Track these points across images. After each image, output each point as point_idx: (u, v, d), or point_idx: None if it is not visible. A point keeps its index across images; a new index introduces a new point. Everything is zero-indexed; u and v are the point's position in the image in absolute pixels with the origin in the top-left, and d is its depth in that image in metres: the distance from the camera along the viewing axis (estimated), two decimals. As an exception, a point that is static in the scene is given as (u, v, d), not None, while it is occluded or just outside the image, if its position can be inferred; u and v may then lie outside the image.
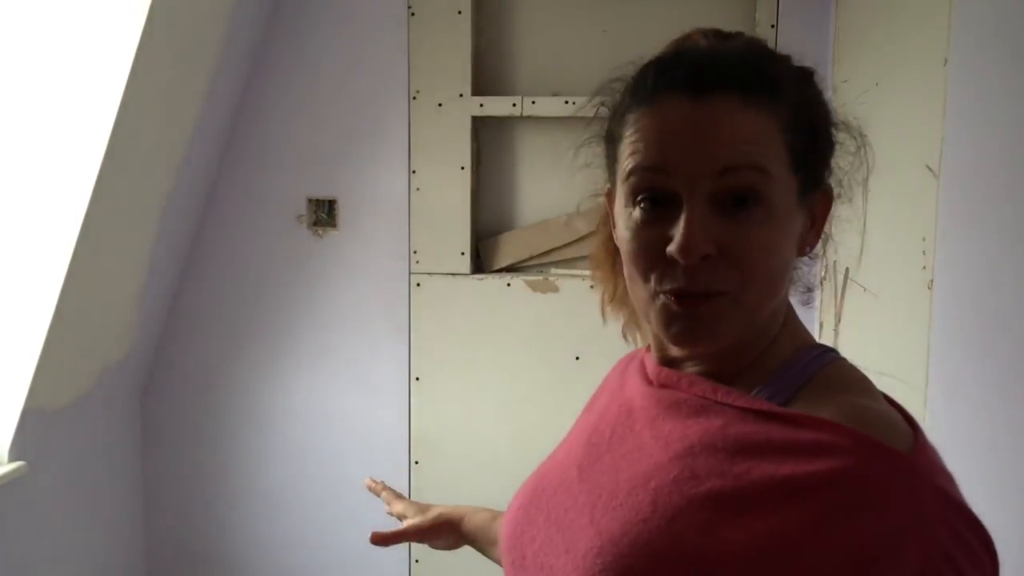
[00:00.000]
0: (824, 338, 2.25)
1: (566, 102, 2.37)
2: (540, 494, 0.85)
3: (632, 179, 0.76)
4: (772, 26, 2.33)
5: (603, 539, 0.73)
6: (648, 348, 0.87)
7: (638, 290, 0.77)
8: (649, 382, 0.83)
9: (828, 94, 0.82)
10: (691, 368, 0.80)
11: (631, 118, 0.78)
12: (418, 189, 2.49)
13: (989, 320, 1.20)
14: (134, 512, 2.62)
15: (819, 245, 0.82)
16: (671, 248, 0.72)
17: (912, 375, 1.49)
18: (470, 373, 2.50)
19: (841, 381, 0.76)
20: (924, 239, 1.45)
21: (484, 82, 2.50)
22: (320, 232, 2.55)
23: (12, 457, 2.08)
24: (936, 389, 1.38)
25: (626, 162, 0.76)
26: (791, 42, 2.32)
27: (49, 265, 2.02)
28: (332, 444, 2.60)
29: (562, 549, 0.77)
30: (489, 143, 2.54)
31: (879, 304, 1.74)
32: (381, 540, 0.98)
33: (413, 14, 2.44)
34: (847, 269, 2.03)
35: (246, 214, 2.57)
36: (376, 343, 2.55)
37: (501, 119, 2.49)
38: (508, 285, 2.49)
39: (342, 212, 2.54)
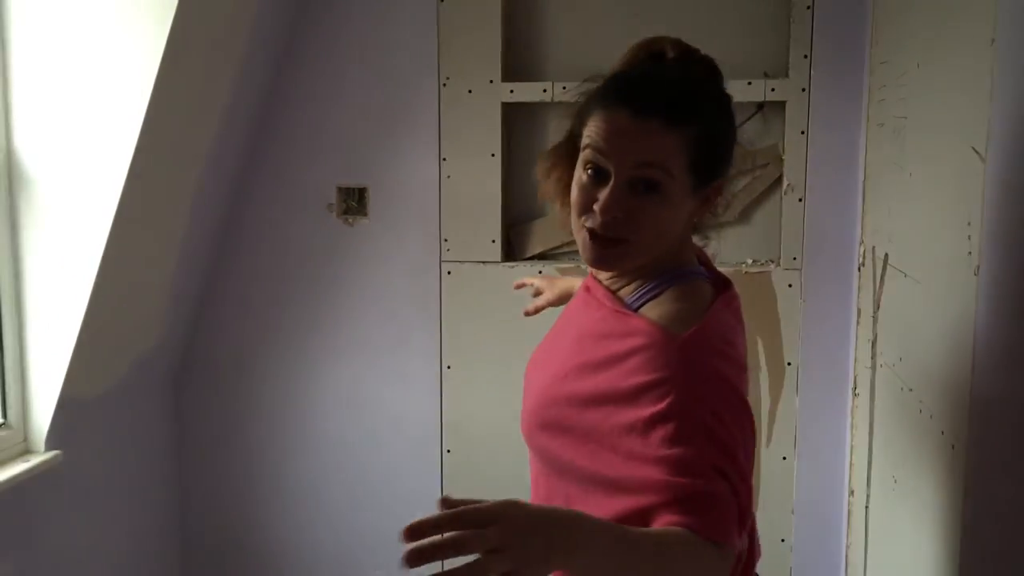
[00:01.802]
0: (863, 324, 2.21)
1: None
2: (534, 359, 1.37)
3: (586, 151, 1.19)
4: (808, 7, 2.28)
5: (542, 386, 1.26)
6: None
7: (574, 221, 1.21)
8: (588, 290, 1.30)
9: (735, 119, 1.26)
10: (606, 280, 1.27)
11: (594, 113, 1.19)
12: (448, 177, 2.48)
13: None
14: (169, 500, 2.64)
15: (709, 218, 1.29)
16: (596, 205, 1.16)
17: (956, 363, 1.46)
18: (501, 361, 2.49)
19: (677, 293, 1.20)
20: (969, 223, 1.41)
21: (514, 68, 2.48)
22: (351, 220, 2.55)
23: (49, 446, 2.10)
24: (981, 378, 1.35)
25: (585, 140, 1.19)
26: (828, 23, 2.28)
27: (83, 255, 2.03)
28: (364, 432, 2.60)
29: (531, 392, 1.30)
30: (520, 129, 2.52)
31: (921, 290, 1.70)
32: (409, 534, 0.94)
33: (442, 1, 2.42)
34: (886, 255, 1.99)
35: (276, 203, 2.57)
36: (407, 332, 2.55)
37: (532, 105, 2.47)
38: (540, 272, 2.47)
39: (372, 200, 2.53)
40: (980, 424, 1.36)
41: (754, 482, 2.39)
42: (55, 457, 2.09)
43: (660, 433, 1.05)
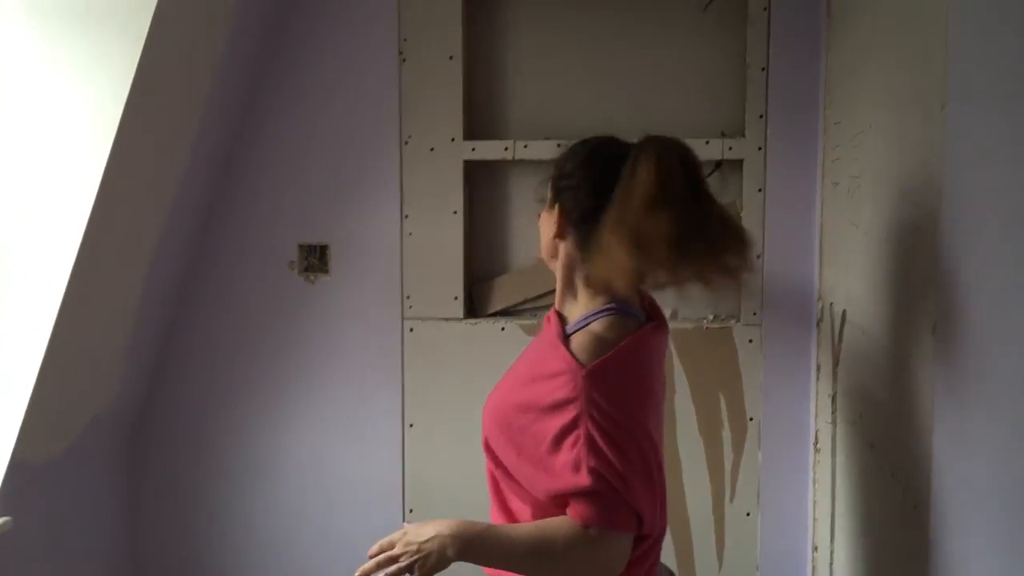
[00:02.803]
0: (823, 380, 2.24)
1: (558, 145, 2.35)
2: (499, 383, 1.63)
3: None
4: (762, 69, 2.34)
5: (502, 390, 1.57)
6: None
7: None
8: (548, 319, 1.58)
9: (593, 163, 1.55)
10: (559, 306, 1.58)
11: None
12: (411, 234, 2.48)
13: (996, 368, 1.18)
14: (122, 565, 2.56)
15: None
16: None
17: (917, 421, 1.47)
18: (465, 419, 2.47)
19: (602, 326, 1.48)
20: (925, 283, 1.43)
21: (476, 126, 2.50)
22: (312, 278, 2.53)
23: (-3, 513, 2.03)
24: (942, 436, 1.36)
25: None
26: (781, 84, 2.33)
27: (38, 315, 1.99)
28: (325, 493, 2.56)
29: (492, 395, 1.59)
30: (482, 187, 2.54)
31: (880, 348, 1.72)
32: None
33: (404, 60, 2.45)
34: (844, 311, 2.02)
35: (236, 261, 2.55)
36: (369, 390, 2.52)
37: (493, 163, 2.49)
38: (502, 329, 2.47)
39: (334, 258, 2.52)
40: (941, 484, 1.37)
41: (719, 536, 2.39)
42: (4, 524, 2.02)
43: (566, 440, 1.39)
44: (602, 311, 1.49)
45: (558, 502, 1.42)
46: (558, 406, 1.41)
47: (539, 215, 1.61)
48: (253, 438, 2.58)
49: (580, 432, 1.38)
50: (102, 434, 2.42)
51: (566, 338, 1.48)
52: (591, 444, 1.37)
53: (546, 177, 1.60)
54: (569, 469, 1.38)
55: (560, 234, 1.54)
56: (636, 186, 1.41)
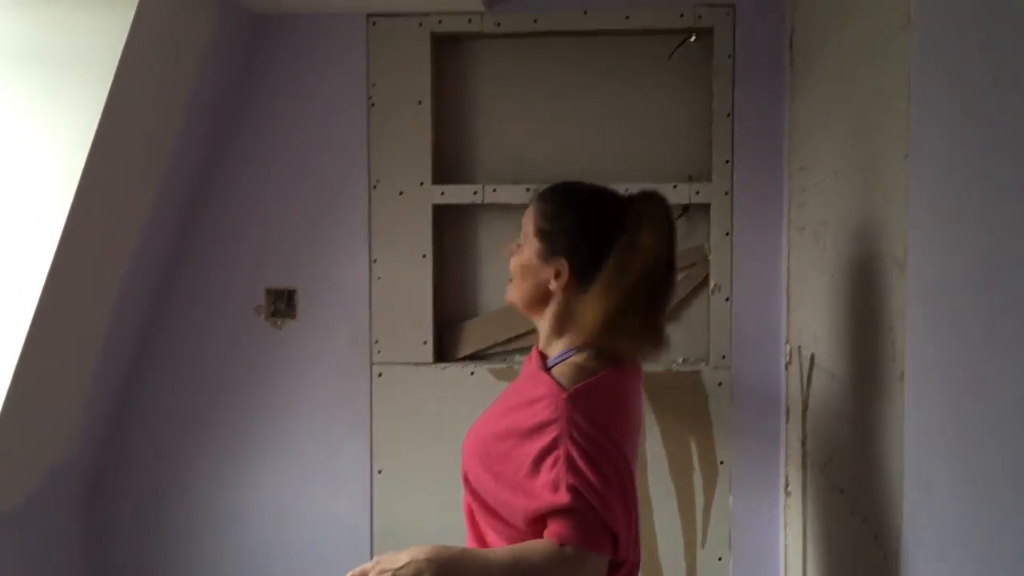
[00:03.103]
0: (792, 423, 2.24)
1: (527, 189, 2.37)
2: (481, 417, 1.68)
3: None
4: (728, 115, 2.37)
5: (475, 433, 1.62)
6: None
7: None
8: (529, 357, 1.66)
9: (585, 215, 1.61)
10: (542, 345, 1.64)
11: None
12: (379, 278, 2.47)
13: (964, 414, 1.19)
14: (81, 620, 2.49)
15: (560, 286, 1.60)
16: None
17: (886, 467, 1.47)
18: (434, 464, 2.44)
19: (578, 357, 1.56)
20: (892, 330, 1.45)
21: (445, 170, 2.50)
22: (279, 323, 2.50)
23: (-49, 568, 1.97)
24: (912, 483, 1.37)
25: None
26: (746, 130, 2.36)
27: (-4, 364, 1.95)
28: (292, 541, 2.51)
29: (473, 428, 1.64)
30: (451, 231, 2.54)
31: (848, 392, 1.73)
32: None
33: (373, 104, 2.45)
34: (812, 355, 2.03)
35: (202, 305, 2.52)
36: (337, 435, 2.49)
37: (462, 207, 2.49)
38: (472, 374, 2.45)
39: (302, 302, 2.50)
40: (913, 531, 1.37)
41: (691, 584, 2.37)
42: (-42, 579, 1.96)
43: (546, 461, 1.43)
44: (582, 347, 1.57)
45: (536, 526, 1.45)
46: (538, 428, 1.46)
47: (512, 256, 1.64)
48: (217, 486, 2.53)
49: (559, 452, 1.42)
50: (62, 484, 2.36)
51: (547, 369, 1.56)
52: (570, 463, 1.41)
53: (528, 223, 1.63)
54: (548, 489, 1.41)
55: (566, 286, 1.58)
56: (641, 248, 1.53)
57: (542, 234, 1.60)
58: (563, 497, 1.39)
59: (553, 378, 1.51)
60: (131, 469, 2.54)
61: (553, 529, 1.41)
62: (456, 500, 1.69)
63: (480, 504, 1.55)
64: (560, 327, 1.60)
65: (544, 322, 1.62)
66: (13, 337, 1.95)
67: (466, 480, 1.60)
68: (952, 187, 1.24)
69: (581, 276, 1.56)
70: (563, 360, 1.57)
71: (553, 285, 1.58)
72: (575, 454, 1.41)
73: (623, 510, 1.44)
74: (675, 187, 2.37)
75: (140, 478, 2.54)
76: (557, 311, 1.60)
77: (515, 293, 1.64)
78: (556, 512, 1.40)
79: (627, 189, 2.23)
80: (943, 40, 1.29)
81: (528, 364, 1.65)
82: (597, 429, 1.46)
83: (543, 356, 1.62)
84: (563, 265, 1.57)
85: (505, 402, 1.61)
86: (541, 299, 1.61)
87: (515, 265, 1.63)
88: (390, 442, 2.48)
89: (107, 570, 2.54)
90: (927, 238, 1.32)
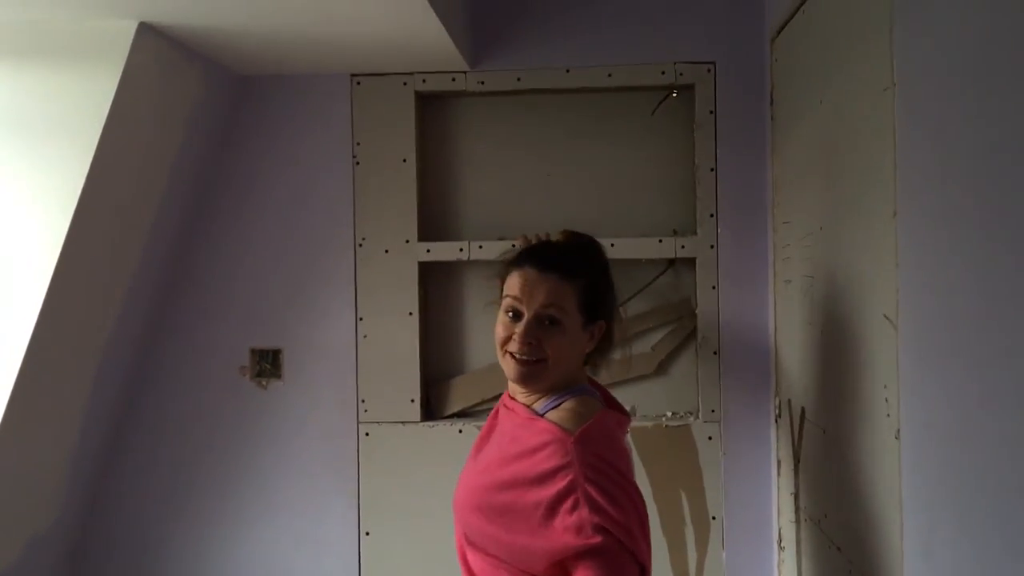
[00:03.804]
0: (784, 477, 2.23)
1: (513, 246, 2.37)
2: (466, 466, 1.72)
3: (506, 300, 1.67)
4: (711, 169, 2.39)
5: (472, 476, 1.65)
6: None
7: (499, 351, 1.67)
8: (506, 407, 1.71)
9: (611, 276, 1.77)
10: (521, 397, 1.69)
11: (511, 273, 1.69)
12: (366, 336, 2.45)
13: (964, 475, 1.19)
14: None
15: (594, 350, 1.72)
16: (515, 335, 1.64)
17: (885, 526, 1.46)
18: (423, 525, 2.41)
19: (573, 403, 1.62)
20: (886, 387, 1.45)
21: (430, 227, 2.50)
22: (264, 383, 2.48)
23: (-73, 646, 1.91)
24: (912, 543, 1.36)
25: (505, 292, 1.68)
26: (730, 184, 2.38)
27: (-25, 433, 1.91)
28: (277, 607, 2.46)
29: (462, 482, 1.67)
30: (436, 288, 2.53)
31: (841, 448, 1.73)
32: None
33: (358, 163, 2.45)
34: (803, 408, 2.03)
35: (186, 367, 2.49)
36: (323, 497, 2.45)
37: (448, 264, 2.48)
38: (460, 431, 2.43)
39: (287, 362, 2.47)
40: (914, 589, 1.36)
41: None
42: (-67, 658, 1.90)
43: (564, 505, 1.46)
44: (573, 391, 1.66)
45: (556, 568, 1.48)
46: (549, 475, 1.50)
47: (548, 340, 1.64)
48: (202, 551, 2.47)
49: (578, 495, 1.46)
50: (42, 554, 2.30)
51: (539, 417, 1.61)
52: (593, 504, 1.45)
53: (565, 299, 1.64)
54: (572, 533, 1.44)
55: (610, 349, 1.78)
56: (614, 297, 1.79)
57: (585, 307, 1.65)
58: (595, 538, 1.42)
59: (553, 423, 1.56)
60: (113, 537, 2.49)
61: (585, 570, 1.43)
62: (446, 558, 1.70)
63: (492, 562, 1.57)
64: (567, 381, 1.67)
65: (554, 381, 1.66)
66: (-7, 404, 1.91)
67: (468, 542, 1.61)
68: (941, 245, 1.25)
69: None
70: (556, 406, 1.62)
71: (589, 348, 1.70)
72: (595, 494, 1.45)
73: (644, 540, 1.51)
74: (660, 241, 2.38)
75: (122, 546, 2.48)
76: (574, 364, 1.69)
77: (555, 371, 1.65)
78: (587, 554, 1.43)
79: (612, 244, 2.26)
80: (927, 101, 1.31)
81: (509, 414, 1.69)
82: (608, 465, 1.51)
83: (525, 406, 1.67)
84: (600, 327, 1.70)
85: (499, 452, 1.63)
86: (579, 365, 1.71)
87: (559, 347, 1.63)
88: (378, 503, 2.44)
89: (87, 641, 2.47)
90: (918, 296, 1.33)
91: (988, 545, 1.12)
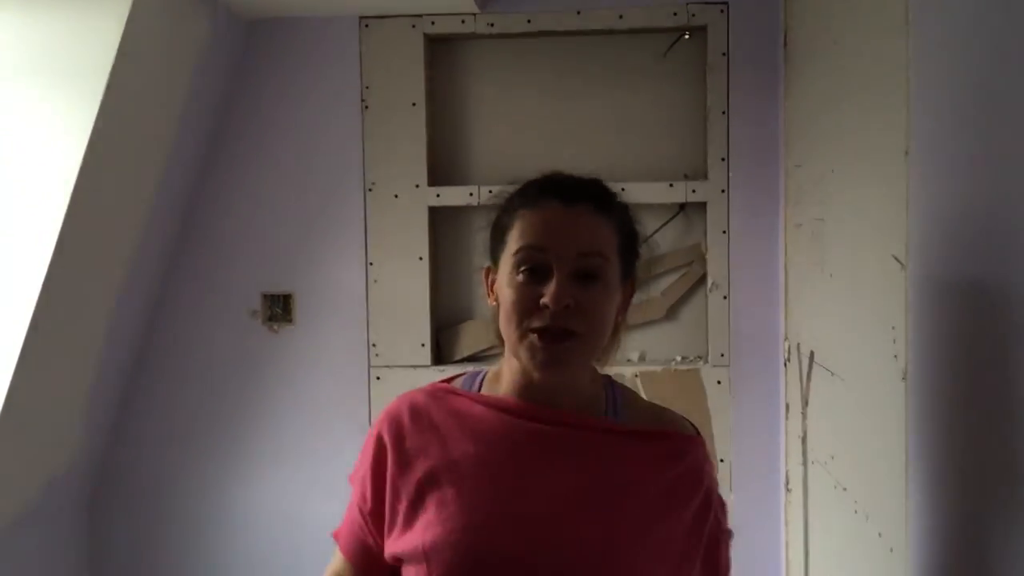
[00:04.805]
0: (792, 420, 2.24)
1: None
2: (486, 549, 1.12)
3: (519, 255, 1.12)
4: (723, 112, 2.36)
5: (601, 535, 1.11)
6: (444, 391, 1.24)
7: (511, 332, 1.12)
8: (525, 417, 1.16)
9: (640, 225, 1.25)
10: (566, 400, 1.17)
11: (520, 213, 1.15)
12: (376, 281, 2.46)
13: (968, 415, 1.19)
14: (81, 630, 2.48)
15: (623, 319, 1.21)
16: (546, 299, 1.09)
17: (890, 465, 1.47)
18: (434, 468, 2.43)
19: (632, 396, 1.25)
20: (894, 328, 1.45)
21: (440, 172, 2.50)
22: (275, 327, 2.49)
23: (-50, 582, 1.96)
24: (916, 481, 1.37)
25: (515, 244, 1.13)
26: (742, 128, 2.36)
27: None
28: (292, 546, 2.50)
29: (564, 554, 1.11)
30: (447, 233, 2.53)
31: (849, 390, 1.73)
32: None
33: (367, 107, 2.44)
34: (812, 352, 2.03)
35: (198, 311, 2.51)
36: (336, 440, 2.48)
37: (458, 208, 2.48)
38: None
39: (298, 306, 2.49)
40: (917, 527, 1.37)
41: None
42: (-43, 592, 1.95)
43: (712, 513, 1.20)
44: (606, 381, 1.24)
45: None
46: (703, 511, 1.19)
47: (584, 294, 1.11)
48: (217, 492, 2.52)
49: (715, 503, 1.21)
50: (60, 496, 2.35)
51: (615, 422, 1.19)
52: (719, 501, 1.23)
53: (606, 241, 1.14)
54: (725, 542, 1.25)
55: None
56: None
57: (624, 254, 1.18)
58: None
59: (689, 433, 1.22)
60: (129, 477, 2.53)
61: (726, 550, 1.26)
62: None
63: None
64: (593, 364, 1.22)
65: (585, 365, 1.18)
66: (10, 346, 1.93)
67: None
68: (953, 184, 1.24)
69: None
70: (625, 401, 1.22)
71: (621, 315, 1.21)
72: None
73: None
74: (671, 185, 2.37)
75: (139, 486, 2.53)
76: (608, 338, 1.18)
77: (590, 350, 1.14)
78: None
79: (623, 188, 2.24)
80: (941, 39, 1.29)
81: (560, 432, 1.15)
82: None
83: (587, 415, 1.19)
84: (632, 286, 1.22)
85: (632, 501, 1.14)
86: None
87: (602, 313, 1.13)
88: (389, 445, 2.46)
89: (107, 579, 2.53)
90: (928, 235, 1.32)
91: (991, 483, 1.13)
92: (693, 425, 1.25)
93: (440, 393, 1.24)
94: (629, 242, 1.19)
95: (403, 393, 1.27)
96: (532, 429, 1.16)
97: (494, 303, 1.19)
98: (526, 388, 1.17)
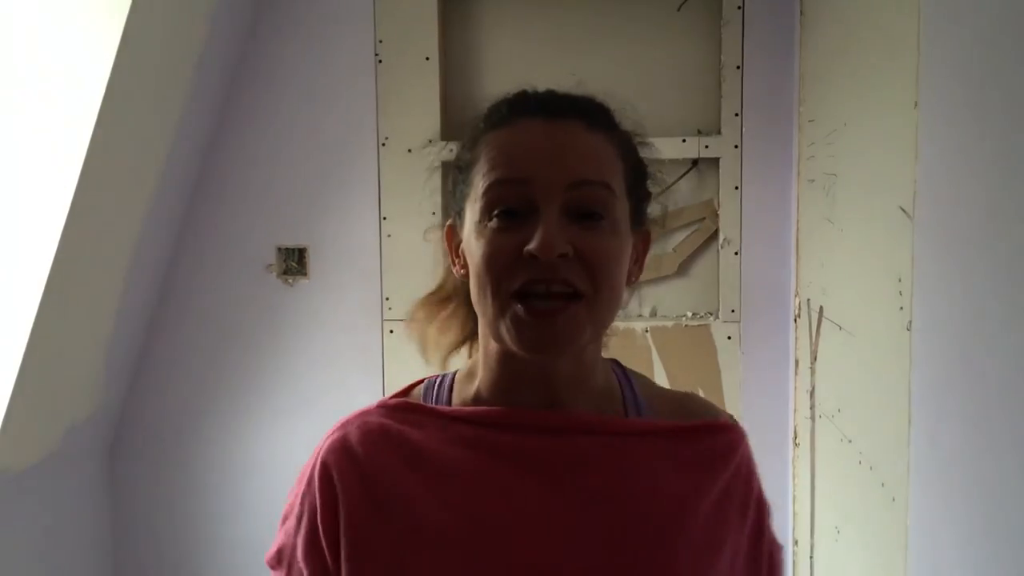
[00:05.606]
0: (800, 375, 2.25)
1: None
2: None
3: (489, 194, 0.81)
4: (737, 67, 2.35)
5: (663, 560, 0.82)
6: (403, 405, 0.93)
7: (487, 303, 0.80)
8: (520, 430, 0.84)
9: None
10: (583, 403, 0.86)
11: (487, 139, 0.84)
12: (389, 236, 2.48)
13: (971, 363, 1.20)
14: (103, 575, 2.55)
15: (637, 279, 0.90)
16: (531, 246, 0.77)
17: (894, 416, 1.49)
18: (446, 420, 2.46)
19: (647, 383, 0.93)
20: (900, 280, 1.45)
21: (453, 127, 2.50)
22: (290, 281, 2.52)
23: (-25, 523, 2.01)
24: (919, 430, 1.38)
25: (483, 180, 0.82)
26: (756, 83, 2.35)
27: (13, 321, 1.97)
28: (306, 496, 2.55)
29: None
30: (460, 188, 2.53)
31: (856, 343, 1.74)
32: None
33: (381, 61, 2.44)
34: (821, 307, 2.04)
35: (214, 265, 2.53)
36: (350, 392, 2.52)
37: (471, 164, 2.48)
38: (482, 330, 2.47)
39: (313, 260, 2.51)
40: (919, 477, 1.39)
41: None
42: (-18, 534, 2.01)
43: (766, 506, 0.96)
44: (614, 365, 0.95)
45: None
46: (757, 522, 0.96)
47: (591, 236, 0.81)
48: (234, 443, 2.56)
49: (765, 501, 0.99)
50: (81, 442, 2.40)
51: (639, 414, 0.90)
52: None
53: (610, 170, 0.84)
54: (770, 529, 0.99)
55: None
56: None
57: (634, 188, 0.88)
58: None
59: (729, 421, 0.95)
60: (148, 428, 2.58)
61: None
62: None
63: None
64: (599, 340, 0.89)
65: (599, 319, 0.83)
66: (30, 294, 1.97)
67: None
68: (962, 136, 1.24)
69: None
70: (641, 386, 0.92)
71: (635, 273, 0.90)
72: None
73: None
74: (684, 141, 2.37)
75: (157, 435, 2.58)
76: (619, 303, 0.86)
77: (602, 316, 0.83)
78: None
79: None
80: (953, -13, 1.28)
81: (580, 442, 0.85)
82: None
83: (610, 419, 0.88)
84: (647, 237, 0.92)
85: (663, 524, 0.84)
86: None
87: (614, 261, 0.82)
88: (402, 398, 2.50)
89: (126, 526, 2.59)
90: (936, 188, 1.32)
91: (993, 434, 1.14)
92: (724, 411, 0.97)
93: (396, 415, 0.91)
94: (638, 176, 0.88)
95: (340, 423, 0.96)
96: (533, 448, 0.84)
97: (462, 271, 0.87)
98: (515, 385, 0.85)
